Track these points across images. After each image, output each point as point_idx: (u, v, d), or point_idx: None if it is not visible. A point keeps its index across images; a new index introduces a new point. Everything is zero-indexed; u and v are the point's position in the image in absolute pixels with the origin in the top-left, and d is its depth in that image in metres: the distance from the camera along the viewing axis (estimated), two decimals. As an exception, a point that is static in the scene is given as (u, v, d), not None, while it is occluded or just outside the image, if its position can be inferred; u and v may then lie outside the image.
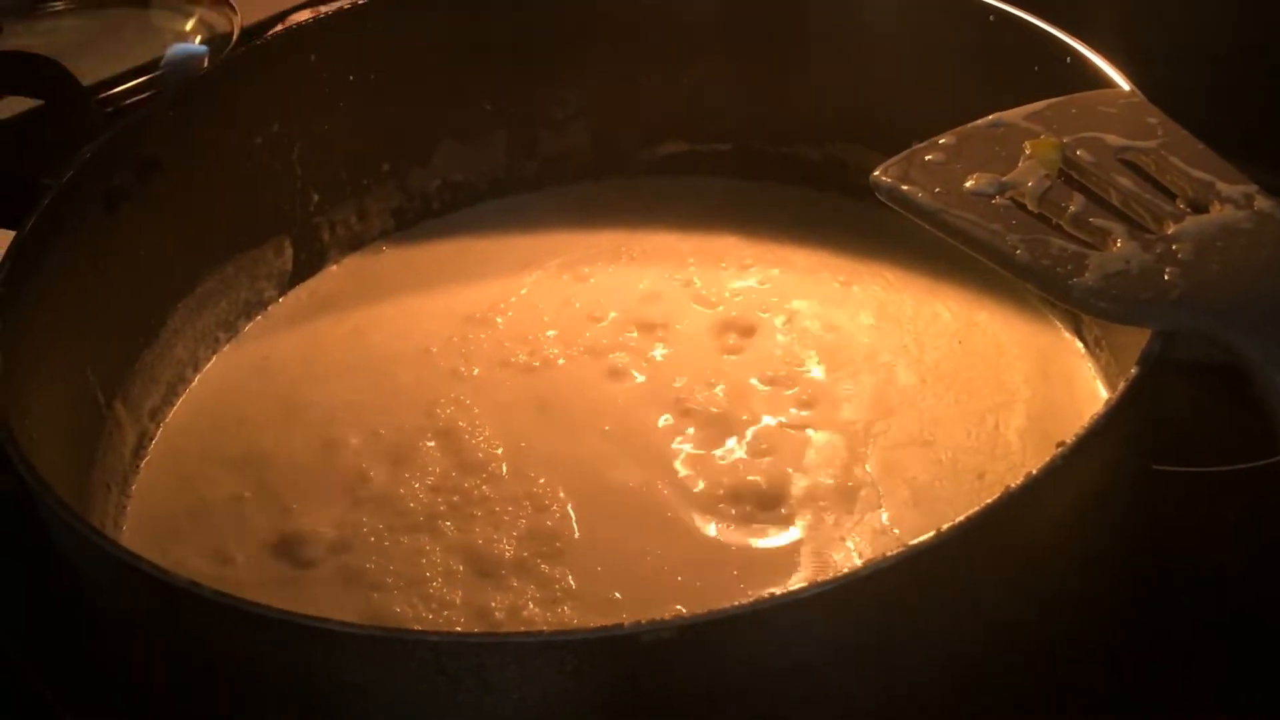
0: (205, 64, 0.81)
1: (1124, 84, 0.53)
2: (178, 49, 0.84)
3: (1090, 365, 0.58)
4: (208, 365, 0.63)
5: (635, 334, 0.61)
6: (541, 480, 0.54)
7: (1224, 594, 0.54)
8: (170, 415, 0.61)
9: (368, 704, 0.39)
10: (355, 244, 0.69)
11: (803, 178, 0.69)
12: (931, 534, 0.37)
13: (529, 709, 0.37)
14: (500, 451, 0.56)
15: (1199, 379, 0.52)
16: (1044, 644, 0.46)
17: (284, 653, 0.39)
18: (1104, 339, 0.58)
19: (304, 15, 0.67)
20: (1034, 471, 0.39)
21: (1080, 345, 0.59)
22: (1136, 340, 0.44)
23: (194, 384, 0.62)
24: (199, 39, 0.87)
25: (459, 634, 0.37)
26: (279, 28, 0.66)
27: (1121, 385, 0.42)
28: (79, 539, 0.41)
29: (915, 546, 0.37)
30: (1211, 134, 0.53)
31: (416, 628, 0.42)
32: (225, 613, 0.38)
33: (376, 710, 0.39)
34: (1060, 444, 0.40)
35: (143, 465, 0.58)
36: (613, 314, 0.63)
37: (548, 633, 0.36)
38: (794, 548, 0.51)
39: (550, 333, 0.62)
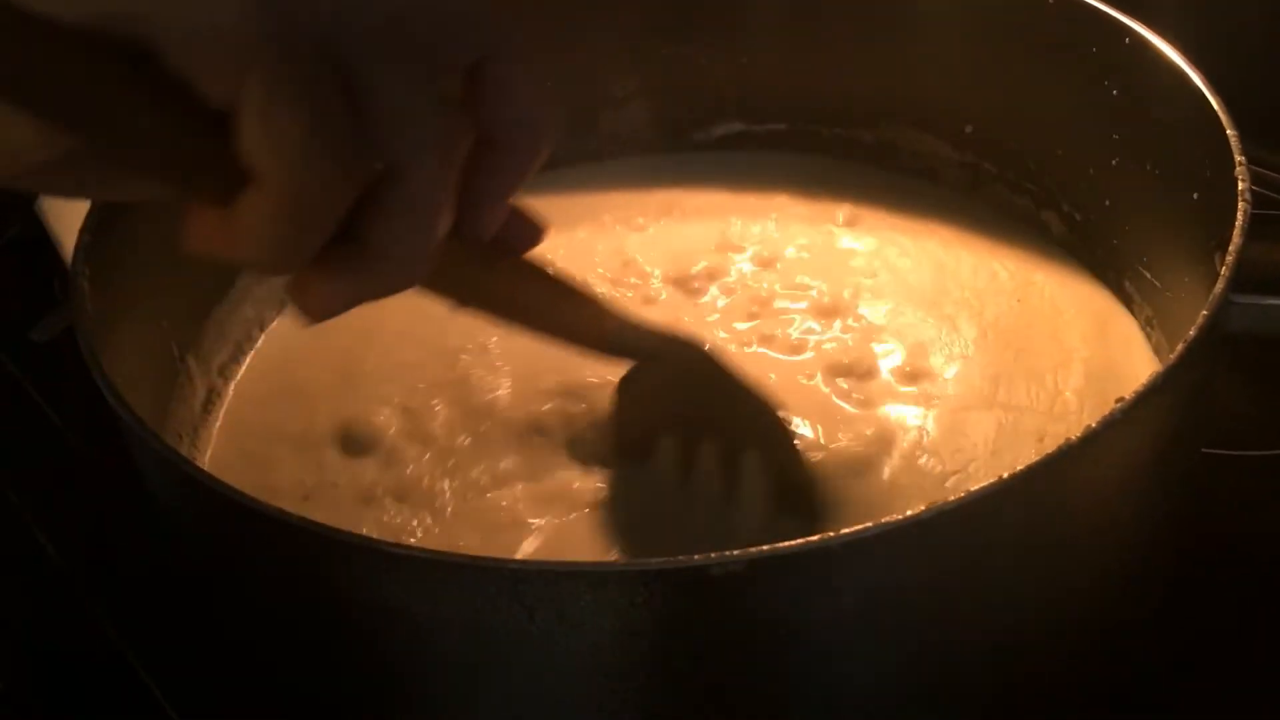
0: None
1: (1183, 64, 0.54)
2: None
3: (1143, 335, 0.59)
4: (272, 325, 0.64)
5: (691, 281, 0.63)
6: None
7: (1266, 574, 0.54)
8: (238, 374, 0.62)
9: (442, 630, 0.40)
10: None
11: (857, 158, 0.70)
12: (994, 480, 0.38)
13: (602, 639, 0.38)
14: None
15: (1247, 364, 0.53)
16: (1087, 610, 0.47)
17: (360, 578, 0.40)
18: (1155, 319, 0.59)
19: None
20: (1093, 425, 0.40)
21: (1136, 326, 0.60)
22: (1189, 318, 0.45)
23: (260, 344, 0.64)
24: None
25: (536, 562, 0.38)
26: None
27: (1179, 347, 0.43)
28: (169, 467, 0.42)
29: (979, 491, 0.38)
30: (1276, 132, 0.54)
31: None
32: (307, 537, 0.39)
33: (450, 637, 0.40)
34: (1119, 399, 0.41)
35: (215, 430, 0.59)
36: (660, 266, 0.64)
37: (620, 563, 0.37)
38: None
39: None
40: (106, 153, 0.33)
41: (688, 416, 0.51)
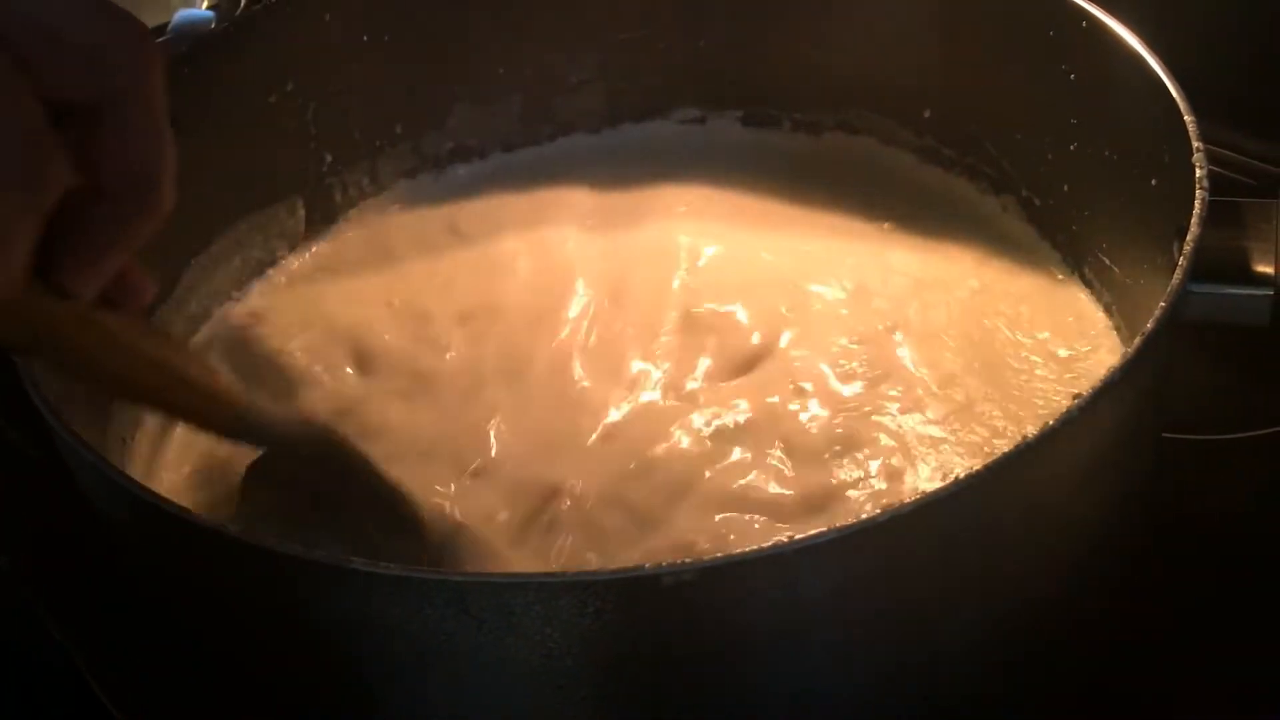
0: (212, 28, 0.81)
1: (1140, 48, 0.53)
2: (184, 14, 0.84)
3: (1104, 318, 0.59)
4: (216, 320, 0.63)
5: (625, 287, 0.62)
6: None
7: (1229, 557, 0.54)
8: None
9: (390, 644, 0.39)
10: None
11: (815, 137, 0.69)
12: (950, 480, 0.38)
13: (551, 650, 0.38)
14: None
15: (1206, 348, 0.53)
16: (1051, 602, 0.46)
17: (306, 592, 0.39)
18: (1115, 304, 0.58)
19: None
20: (1050, 422, 0.40)
21: (1095, 312, 0.59)
22: (1149, 304, 0.45)
23: (202, 340, 0.62)
24: (205, 4, 0.87)
25: (483, 574, 0.37)
26: (293, -13, 0.66)
27: (1137, 340, 0.42)
28: (103, 480, 0.41)
29: (935, 492, 0.38)
30: (1238, 116, 0.54)
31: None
32: (248, 551, 0.38)
33: (399, 650, 0.39)
34: (1077, 395, 0.40)
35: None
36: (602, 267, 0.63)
37: (571, 573, 0.36)
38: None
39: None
40: None
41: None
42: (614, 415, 0.54)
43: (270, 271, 0.65)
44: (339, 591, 0.38)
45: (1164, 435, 0.52)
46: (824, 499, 0.50)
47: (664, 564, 0.36)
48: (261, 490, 0.48)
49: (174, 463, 0.56)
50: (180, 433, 0.57)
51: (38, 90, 0.33)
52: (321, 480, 0.48)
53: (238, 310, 0.63)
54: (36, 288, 0.35)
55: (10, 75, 0.32)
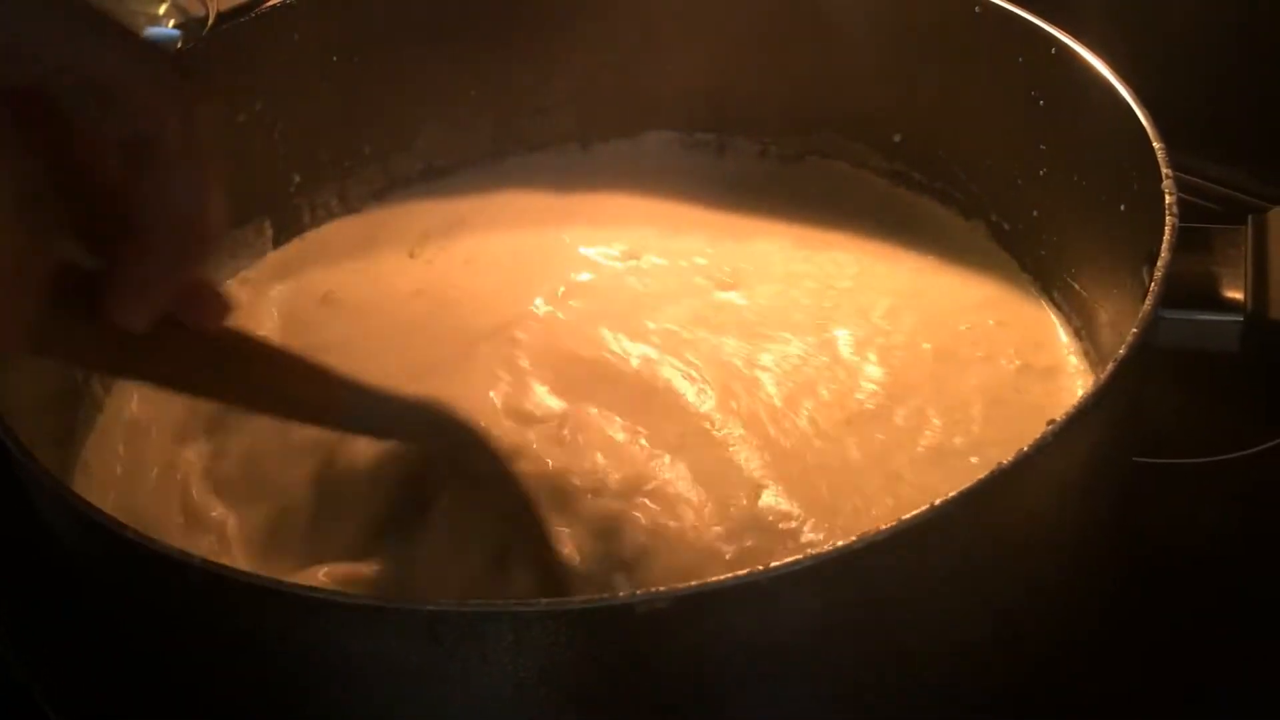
0: (179, 47, 0.80)
1: (1110, 75, 0.53)
2: (151, 32, 0.83)
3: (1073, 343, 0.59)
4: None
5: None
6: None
7: (1198, 580, 0.55)
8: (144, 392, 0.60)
9: (362, 673, 0.38)
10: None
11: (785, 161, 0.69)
12: (926, 507, 0.38)
13: (526, 679, 0.37)
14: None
15: (1176, 373, 0.53)
16: (1028, 630, 0.46)
17: (273, 621, 0.38)
18: (1084, 329, 0.58)
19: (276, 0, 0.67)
20: (1025, 448, 0.40)
21: (1064, 337, 0.59)
22: (1118, 329, 0.45)
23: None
24: (172, 23, 0.86)
25: (454, 603, 0.36)
26: (265, 6, 0.65)
27: (1109, 366, 0.42)
28: (64, 507, 0.40)
29: (910, 520, 0.37)
30: (1207, 142, 0.54)
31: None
32: (214, 581, 0.38)
33: (371, 679, 0.38)
34: (1051, 421, 0.40)
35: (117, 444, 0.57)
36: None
37: (544, 602, 0.36)
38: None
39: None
40: None
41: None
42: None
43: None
44: (307, 621, 0.38)
45: (1135, 460, 0.52)
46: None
47: (638, 593, 0.36)
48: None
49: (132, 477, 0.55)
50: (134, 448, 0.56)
51: (61, 145, 0.33)
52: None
53: None
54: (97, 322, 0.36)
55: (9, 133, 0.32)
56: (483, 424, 0.50)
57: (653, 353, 0.57)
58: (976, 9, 0.59)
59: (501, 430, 0.51)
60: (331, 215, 0.68)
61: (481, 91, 0.69)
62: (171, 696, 0.46)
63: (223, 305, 0.39)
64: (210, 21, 0.84)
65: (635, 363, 0.56)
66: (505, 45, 0.68)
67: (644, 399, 0.54)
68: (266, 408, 0.45)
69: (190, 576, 0.38)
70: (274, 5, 0.65)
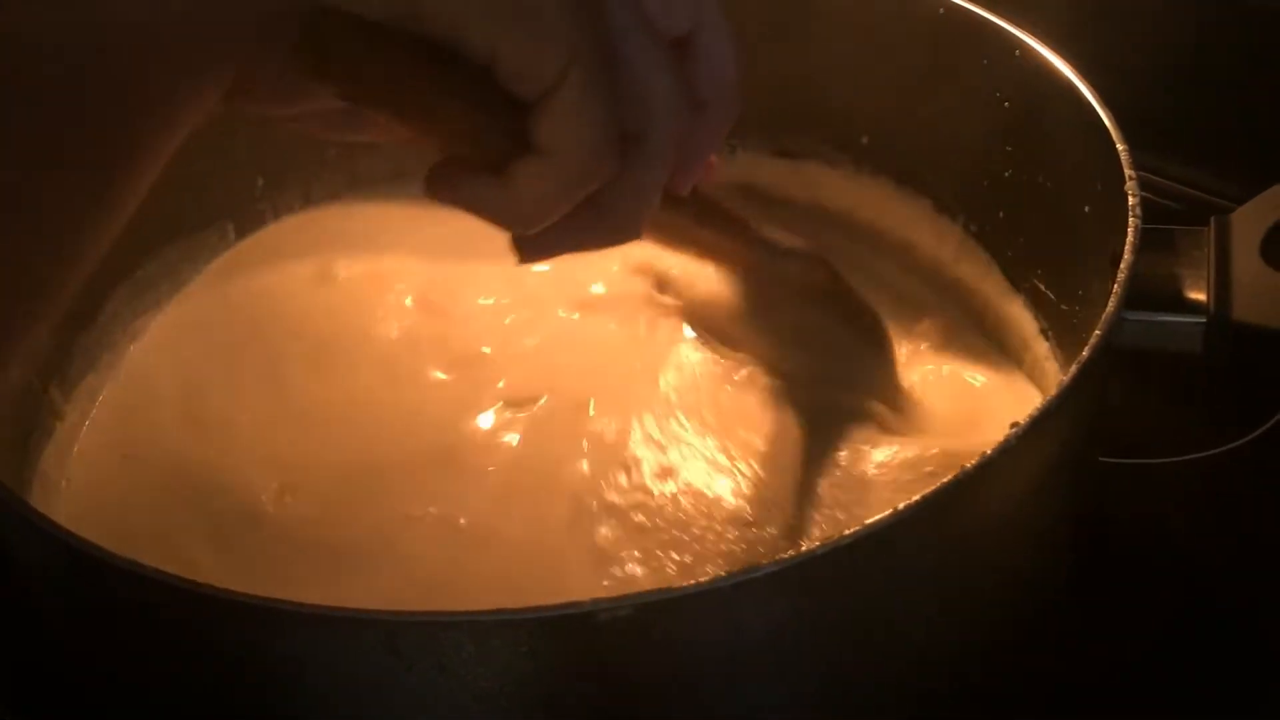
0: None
1: (1073, 76, 0.53)
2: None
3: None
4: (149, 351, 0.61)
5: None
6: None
7: (1165, 581, 0.55)
8: (104, 397, 0.59)
9: (318, 685, 0.38)
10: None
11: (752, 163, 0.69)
12: (889, 511, 0.37)
13: (486, 689, 0.37)
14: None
15: (1142, 374, 0.53)
16: (995, 631, 0.46)
17: (230, 632, 0.38)
18: (1050, 330, 0.58)
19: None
20: (989, 451, 0.39)
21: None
22: (1084, 330, 0.45)
23: (126, 369, 0.60)
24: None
25: (411, 613, 0.36)
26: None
27: (1073, 369, 0.42)
28: (16, 520, 0.40)
29: (873, 524, 0.37)
30: (1170, 143, 0.54)
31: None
32: (169, 592, 0.37)
33: (327, 691, 0.38)
34: (1014, 424, 0.40)
35: (76, 452, 0.57)
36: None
37: (503, 610, 0.35)
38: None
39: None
40: (414, 125, 0.39)
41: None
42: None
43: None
44: (264, 631, 0.37)
45: (1102, 460, 0.52)
46: None
47: (600, 600, 0.35)
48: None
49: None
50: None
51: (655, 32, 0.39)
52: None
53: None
54: None
55: (651, 27, 0.39)
56: None
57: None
58: (940, 10, 0.59)
59: None
60: (294, 215, 0.67)
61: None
62: (123, 709, 0.45)
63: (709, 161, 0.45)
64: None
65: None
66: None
67: None
68: (711, 255, 0.54)
69: (144, 587, 0.37)
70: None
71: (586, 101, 0.36)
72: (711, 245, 0.53)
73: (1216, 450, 0.58)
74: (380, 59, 0.36)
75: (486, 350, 0.59)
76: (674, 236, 0.50)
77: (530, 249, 0.40)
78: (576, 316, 0.60)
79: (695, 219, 0.49)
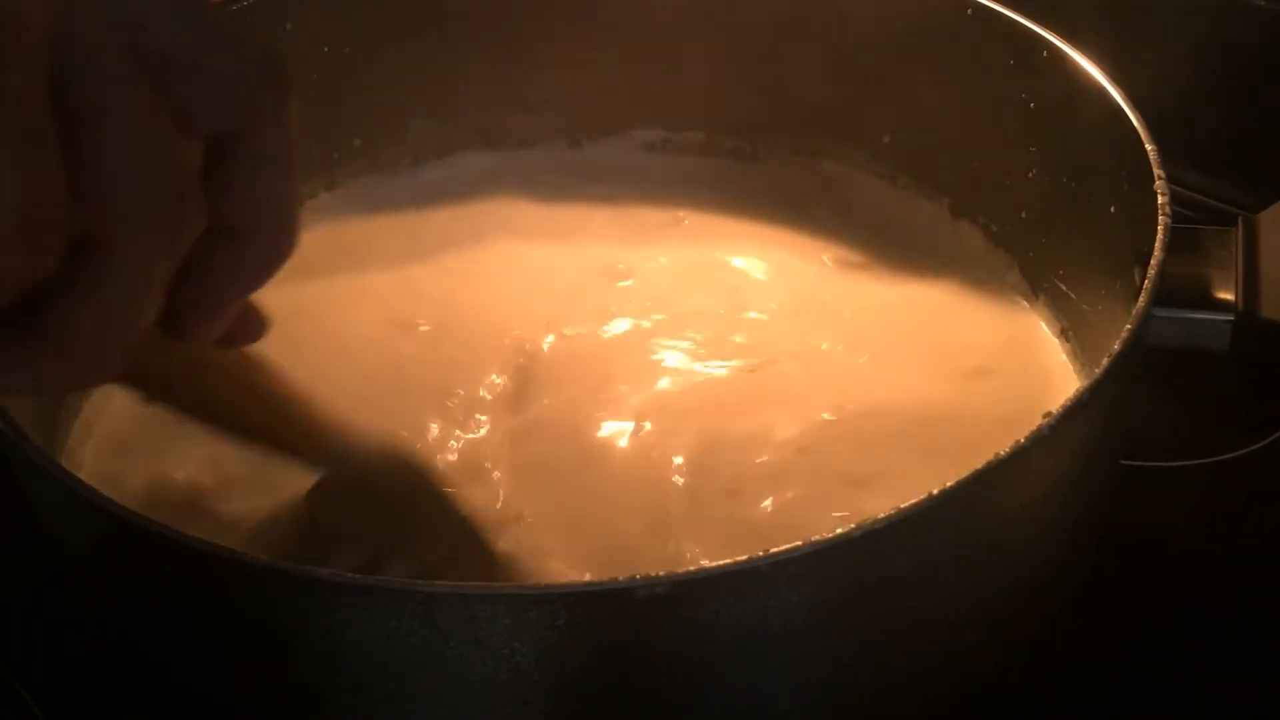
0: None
1: (1101, 77, 0.54)
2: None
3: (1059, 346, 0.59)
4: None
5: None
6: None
7: (1183, 585, 0.55)
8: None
9: (353, 656, 0.38)
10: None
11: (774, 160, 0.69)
12: (924, 496, 0.38)
13: (521, 664, 0.37)
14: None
15: (1163, 377, 0.54)
16: (1013, 626, 0.46)
17: (264, 602, 0.38)
18: (1071, 330, 0.59)
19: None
20: (1021, 440, 0.40)
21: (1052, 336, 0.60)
22: (1105, 330, 0.45)
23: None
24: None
25: (450, 585, 0.36)
26: (248, -1, 0.65)
27: (1105, 361, 0.43)
28: (50, 484, 0.40)
29: (909, 509, 0.38)
30: (1188, 152, 0.55)
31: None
32: (206, 560, 0.37)
33: (362, 663, 0.38)
34: (1047, 414, 0.41)
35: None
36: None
37: (541, 586, 0.35)
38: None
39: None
40: None
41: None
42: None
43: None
44: (300, 601, 0.37)
45: (1122, 462, 0.52)
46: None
47: (638, 576, 0.36)
48: (328, 509, 0.46)
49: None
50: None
51: (185, 126, 0.30)
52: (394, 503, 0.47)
53: None
54: (155, 333, 0.33)
55: (156, 113, 0.30)
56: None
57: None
58: (968, 11, 0.60)
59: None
60: (320, 205, 0.67)
61: (470, 86, 0.69)
62: (154, 680, 0.46)
63: (264, 321, 0.38)
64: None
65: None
66: (494, 39, 0.68)
67: None
68: (260, 441, 0.44)
69: (177, 553, 0.37)
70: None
71: None
72: (247, 420, 0.43)
73: (1232, 454, 0.59)
74: None
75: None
76: (175, 393, 0.40)
77: None
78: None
79: (220, 381, 0.40)
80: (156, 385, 0.38)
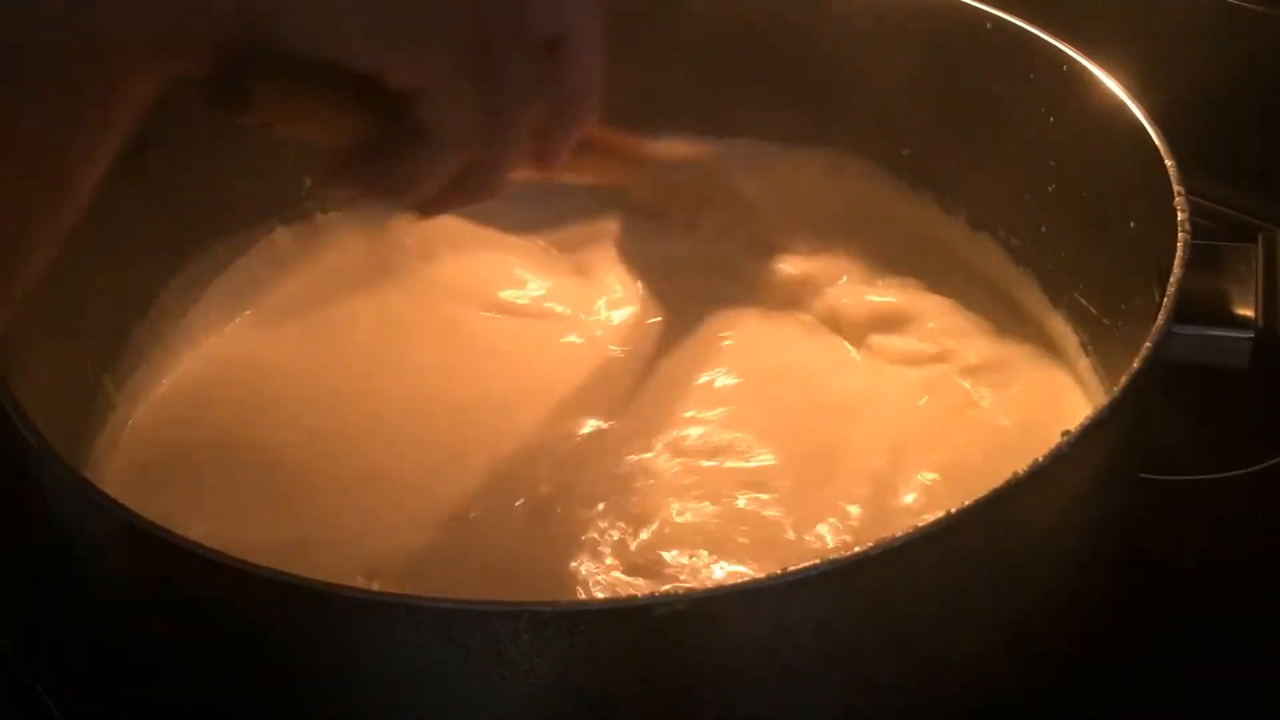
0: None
1: (1121, 93, 0.54)
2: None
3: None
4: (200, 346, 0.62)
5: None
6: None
7: (1199, 596, 0.55)
8: (155, 395, 0.60)
9: (375, 670, 0.38)
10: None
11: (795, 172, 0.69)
12: (943, 514, 0.38)
13: (541, 679, 0.37)
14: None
15: (1184, 392, 0.54)
16: (1034, 640, 0.46)
17: (287, 616, 0.38)
18: (1090, 344, 0.59)
19: None
20: (1040, 458, 0.40)
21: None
22: (1125, 344, 0.45)
23: (182, 366, 0.61)
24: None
25: (471, 602, 0.36)
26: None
27: (1123, 379, 0.43)
28: (78, 498, 0.40)
29: (926, 527, 0.38)
30: (1208, 164, 0.54)
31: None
32: (230, 575, 0.37)
33: (383, 677, 0.38)
34: (1065, 432, 0.41)
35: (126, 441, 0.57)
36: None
37: (560, 603, 0.36)
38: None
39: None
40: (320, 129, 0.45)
41: None
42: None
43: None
44: (322, 616, 0.38)
45: (1143, 476, 0.52)
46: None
47: (657, 594, 0.36)
48: None
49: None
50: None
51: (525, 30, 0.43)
52: None
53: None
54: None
55: (526, 30, 0.43)
56: None
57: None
58: (989, 25, 0.60)
59: None
60: (343, 217, 0.68)
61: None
62: (179, 693, 0.46)
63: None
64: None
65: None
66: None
67: None
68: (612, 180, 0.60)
69: (201, 567, 0.38)
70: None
71: (457, 95, 0.42)
72: (606, 170, 0.59)
73: (1252, 469, 0.58)
74: (291, 92, 0.42)
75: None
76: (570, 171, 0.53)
77: (425, 208, 0.47)
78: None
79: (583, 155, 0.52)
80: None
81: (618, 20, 0.65)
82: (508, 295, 0.64)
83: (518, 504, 0.52)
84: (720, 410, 0.56)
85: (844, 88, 0.66)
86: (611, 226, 0.67)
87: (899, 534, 0.37)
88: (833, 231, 0.66)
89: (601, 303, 0.63)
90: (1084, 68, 0.56)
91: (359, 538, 0.50)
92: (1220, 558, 0.57)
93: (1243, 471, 0.59)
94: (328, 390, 0.58)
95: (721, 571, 0.48)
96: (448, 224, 0.64)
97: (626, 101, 0.67)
